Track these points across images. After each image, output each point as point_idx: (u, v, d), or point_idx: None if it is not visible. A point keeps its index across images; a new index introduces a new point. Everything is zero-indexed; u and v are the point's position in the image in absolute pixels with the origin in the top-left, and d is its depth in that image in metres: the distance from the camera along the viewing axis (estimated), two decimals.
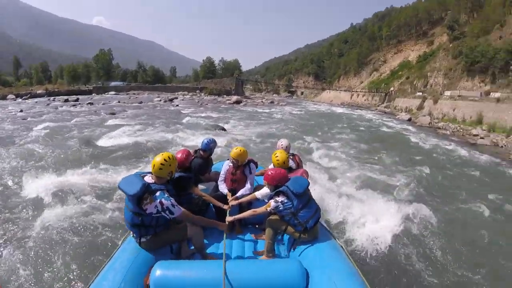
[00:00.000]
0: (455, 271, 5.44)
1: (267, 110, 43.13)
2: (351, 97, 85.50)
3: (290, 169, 5.07)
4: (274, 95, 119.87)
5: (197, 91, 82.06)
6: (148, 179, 3.66)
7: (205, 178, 5.61)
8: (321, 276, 3.32)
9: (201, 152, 5.69)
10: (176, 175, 4.17)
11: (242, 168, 5.12)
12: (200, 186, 5.24)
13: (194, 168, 5.23)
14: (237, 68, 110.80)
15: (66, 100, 44.27)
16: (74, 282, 4.66)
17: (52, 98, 50.67)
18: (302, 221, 3.93)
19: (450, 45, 61.21)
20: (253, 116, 33.33)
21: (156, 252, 3.77)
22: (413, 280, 5.12)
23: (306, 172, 5.19)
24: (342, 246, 4.06)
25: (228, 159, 5.24)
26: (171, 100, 51.75)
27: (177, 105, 42.93)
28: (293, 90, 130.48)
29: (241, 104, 54.39)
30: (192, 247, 4.21)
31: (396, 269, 5.30)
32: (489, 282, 5.19)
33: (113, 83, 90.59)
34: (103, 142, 14.40)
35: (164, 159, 3.67)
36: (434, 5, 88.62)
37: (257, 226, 5.20)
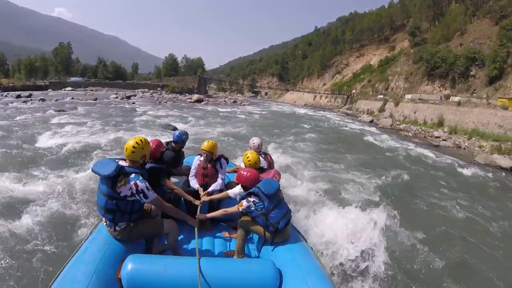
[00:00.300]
0: (418, 269, 5.61)
1: (228, 110, 41.80)
2: (314, 99, 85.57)
3: (261, 169, 4.95)
4: (238, 95, 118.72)
5: (158, 89, 79.32)
6: (123, 163, 3.51)
7: (176, 171, 5.48)
8: (294, 276, 3.28)
9: (173, 144, 5.48)
10: (148, 165, 4.02)
11: (213, 163, 4.98)
12: (173, 179, 5.26)
13: (166, 160, 5.06)
14: (200, 66, 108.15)
15: (18, 96, 40.53)
16: (41, 275, 4.39)
17: (5, 94, 46.02)
18: (273, 222, 3.89)
19: (411, 51, 62.55)
20: (214, 115, 31.79)
21: (128, 244, 3.61)
22: (377, 280, 5.10)
23: (278, 173, 4.96)
24: (311, 248, 4.06)
25: (198, 154, 5.10)
26: (128, 97, 48.90)
27: (133, 103, 40.12)
28: (257, 90, 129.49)
29: (202, 103, 52.24)
30: (165, 243, 4.06)
31: (361, 270, 5.22)
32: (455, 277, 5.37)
33: (72, 79, 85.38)
34: (42, 142, 12.57)
35: (136, 142, 3.55)
36: (396, 12, 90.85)
37: (228, 223, 5.07)
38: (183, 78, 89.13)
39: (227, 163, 5.26)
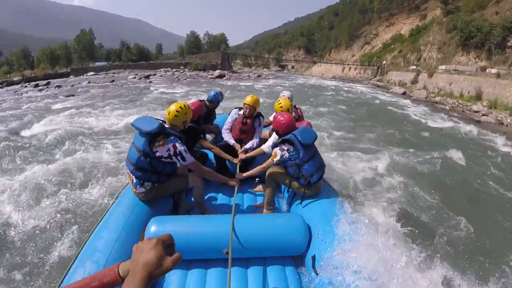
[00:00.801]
0: (459, 236, 5.52)
1: (250, 84, 40.83)
2: (342, 71, 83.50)
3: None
4: (264, 69, 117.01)
5: (181, 67, 78.90)
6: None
7: (207, 128, 5.68)
8: (323, 230, 3.24)
9: (207, 103, 5.78)
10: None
11: (253, 119, 4.92)
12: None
13: (199, 117, 5.03)
14: (223, 42, 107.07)
15: (36, 85, 40.56)
16: (70, 239, 4.63)
17: (25, 84, 46.68)
18: (306, 174, 3.73)
19: (444, 19, 59.74)
20: (232, 89, 31.09)
21: (154, 205, 3.63)
22: (415, 235, 5.13)
23: (310, 125, 4.82)
24: (344, 202, 3.85)
25: (236, 108, 5.08)
26: (147, 77, 48.86)
27: (150, 82, 40.37)
28: (284, 64, 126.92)
29: (224, 78, 52.14)
30: (193, 200, 4.08)
31: (398, 226, 5.26)
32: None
33: (96, 63, 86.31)
34: (38, 127, 12.70)
35: (180, 107, 3.65)
36: None
37: (257, 179, 4.97)
38: (205, 55, 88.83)
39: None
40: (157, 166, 3.44)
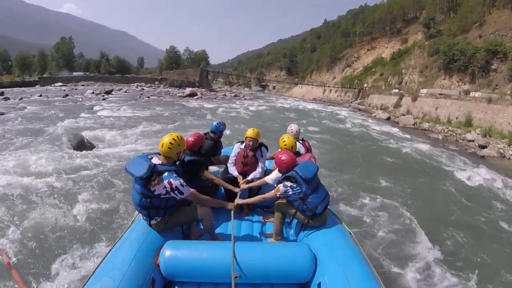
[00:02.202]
0: (461, 259, 5.57)
1: (214, 106, 35.86)
2: (323, 93, 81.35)
3: (298, 154, 4.89)
4: (246, 88, 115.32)
5: (155, 83, 75.00)
6: (156, 160, 3.54)
7: (215, 160, 5.59)
8: (330, 260, 3.29)
9: (211, 134, 5.64)
10: (187, 158, 4.24)
11: (254, 151, 4.98)
12: (211, 168, 5.47)
13: (205, 149, 5.13)
14: (204, 59, 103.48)
15: None
16: (85, 261, 4.77)
17: None
18: (311, 207, 3.84)
19: (426, 43, 59.05)
20: (188, 113, 26.31)
21: (166, 232, 3.69)
22: (417, 266, 5.19)
23: (314, 157, 4.87)
24: (350, 232, 3.98)
25: (238, 142, 5.18)
26: (108, 92, 42.70)
27: (104, 99, 34.23)
28: (265, 84, 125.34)
29: (195, 97, 47.48)
30: (202, 228, 4.19)
31: (401, 257, 5.36)
32: None
33: (74, 73, 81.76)
34: None
35: (173, 139, 3.59)
36: (409, 4, 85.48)
37: (265, 209, 5.12)
38: (184, 71, 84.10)
39: (267, 151, 5.20)
40: (159, 203, 3.49)
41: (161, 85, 71.26)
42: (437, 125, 26.68)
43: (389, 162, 13.04)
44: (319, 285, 3.11)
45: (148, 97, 40.48)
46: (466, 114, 26.17)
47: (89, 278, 2.93)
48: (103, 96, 37.52)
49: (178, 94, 49.32)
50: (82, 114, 19.98)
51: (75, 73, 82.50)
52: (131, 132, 14.51)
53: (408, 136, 20.86)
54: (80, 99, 31.97)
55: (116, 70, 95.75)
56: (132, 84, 66.71)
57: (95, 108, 24.14)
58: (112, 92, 43.48)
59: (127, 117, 20.21)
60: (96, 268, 3.06)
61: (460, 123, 26.06)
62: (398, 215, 7.18)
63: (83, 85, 59.60)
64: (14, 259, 4.69)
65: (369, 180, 10.04)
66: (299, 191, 3.82)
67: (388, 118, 33.73)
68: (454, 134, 22.73)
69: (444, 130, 24.42)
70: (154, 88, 62.50)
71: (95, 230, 5.69)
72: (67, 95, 36.33)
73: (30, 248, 5.06)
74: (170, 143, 3.53)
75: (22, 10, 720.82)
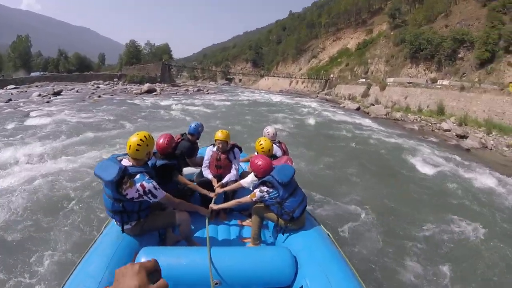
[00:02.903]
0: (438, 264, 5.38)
1: (179, 101, 32.55)
2: (290, 84, 79.99)
3: (274, 157, 4.76)
4: (211, 82, 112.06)
5: (115, 80, 69.46)
6: (126, 162, 3.34)
7: (191, 162, 5.49)
8: (310, 263, 3.25)
9: (189, 136, 5.55)
10: (159, 162, 4.07)
11: (227, 153, 4.90)
12: (188, 169, 5.29)
13: (181, 151, 5.12)
14: (167, 53, 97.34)
15: None
16: (55, 270, 4.56)
17: None
18: (288, 211, 3.75)
19: (392, 33, 58.46)
20: (140, 113, 22.03)
21: (141, 237, 3.59)
22: (396, 264, 5.19)
23: (291, 160, 4.66)
24: (328, 234, 3.91)
25: (211, 144, 5.08)
26: (57, 93, 36.56)
27: (48, 102, 28.38)
28: (231, 77, 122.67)
29: (153, 94, 43.02)
30: (179, 234, 4.04)
31: (380, 257, 5.34)
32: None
33: (32, 74, 74.72)
34: None
35: (141, 139, 3.32)
36: None
37: (242, 212, 4.98)
38: (144, 66, 78.92)
39: (241, 152, 5.14)
40: (132, 207, 3.34)
41: (120, 82, 66.29)
42: (409, 115, 25.33)
43: (366, 158, 11.77)
44: None
45: (100, 96, 35.66)
46: (437, 102, 25.05)
47: (62, 287, 2.83)
48: (50, 98, 32.36)
49: (134, 91, 44.72)
50: (10, 125, 15.26)
51: (33, 74, 75.66)
52: (56, 146, 11.34)
53: (383, 128, 19.16)
54: (22, 104, 26.21)
55: (75, 68, 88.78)
56: (89, 83, 61.26)
57: (32, 114, 19.51)
58: (61, 93, 38.04)
59: (66, 123, 16.12)
60: (69, 276, 2.95)
61: (432, 112, 24.89)
62: (377, 214, 6.92)
63: (37, 86, 53.35)
64: None
65: (346, 179, 9.39)
66: (276, 195, 3.75)
67: (358, 109, 32.15)
68: (430, 124, 21.29)
69: (417, 120, 23.11)
70: (111, 86, 57.40)
71: (65, 236, 5.41)
72: (10, 99, 29.53)
73: None
74: (137, 144, 3.29)
75: None
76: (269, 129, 5.58)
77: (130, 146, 3.30)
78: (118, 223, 3.44)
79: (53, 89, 39.51)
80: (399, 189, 8.83)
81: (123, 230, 3.45)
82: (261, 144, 4.58)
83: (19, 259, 4.79)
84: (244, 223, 4.71)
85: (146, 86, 46.28)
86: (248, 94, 54.34)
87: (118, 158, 3.34)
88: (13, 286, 4.29)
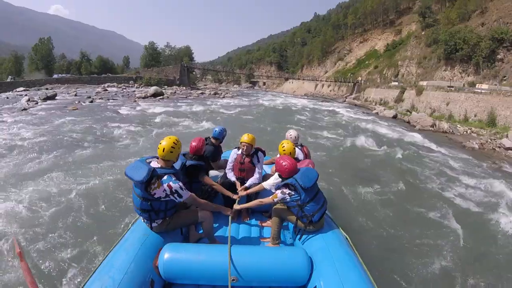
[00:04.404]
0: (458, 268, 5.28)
1: (177, 108, 27.67)
2: (315, 88, 76.99)
3: (296, 160, 4.64)
4: (235, 86, 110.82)
5: (130, 82, 66.86)
6: (154, 164, 3.49)
7: (215, 165, 5.55)
8: (326, 264, 3.27)
9: (213, 140, 5.59)
10: (189, 162, 4.29)
11: (251, 157, 4.87)
12: (212, 172, 5.34)
13: (206, 155, 5.05)
14: (188, 55, 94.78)
15: None
16: (85, 261, 4.77)
17: None
18: (308, 214, 3.73)
19: (423, 33, 55.11)
20: (109, 129, 15.32)
21: (166, 234, 3.69)
22: (413, 273, 5.05)
23: (312, 163, 4.64)
24: (346, 237, 3.90)
25: (236, 147, 5.05)
26: (50, 98, 32.41)
27: (25, 109, 23.18)
28: (255, 80, 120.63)
29: (158, 98, 38.85)
30: (201, 231, 4.15)
31: (398, 263, 5.26)
32: None
33: (55, 76, 73.99)
34: None
35: (173, 142, 3.52)
36: None
37: (263, 213, 5.01)
38: (163, 68, 76.77)
39: (264, 156, 5.09)
40: (159, 206, 3.46)
41: (136, 85, 63.61)
42: (458, 126, 21.91)
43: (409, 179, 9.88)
44: None
45: (92, 101, 30.81)
46: (487, 110, 21.86)
47: (90, 276, 2.96)
48: (36, 103, 27.94)
49: (138, 95, 40.34)
50: None
51: (55, 76, 75.21)
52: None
53: (435, 147, 15.21)
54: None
55: (98, 70, 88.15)
56: (102, 85, 57.79)
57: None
58: (56, 97, 33.95)
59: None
60: (97, 267, 3.06)
61: (481, 122, 21.75)
62: (402, 225, 6.62)
63: (47, 89, 49.22)
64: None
65: (379, 192, 8.52)
66: (297, 198, 3.72)
67: (395, 117, 28.83)
68: (489, 141, 16.96)
69: (467, 132, 19.94)
70: (123, 89, 54.92)
71: (96, 232, 5.54)
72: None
73: (34, 243, 5.12)
74: (171, 147, 3.46)
75: (9, 12, 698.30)
76: (292, 132, 5.48)
77: (164, 149, 3.43)
78: (146, 220, 3.57)
79: (46, 93, 35.05)
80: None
81: (151, 228, 3.56)
82: (284, 147, 4.55)
83: (52, 251, 4.98)
84: (264, 224, 4.71)
85: (152, 89, 43.21)
86: (269, 98, 51.17)
87: (147, 161, 3.47)
88: (48, 275, 4.47)
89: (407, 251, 5.68)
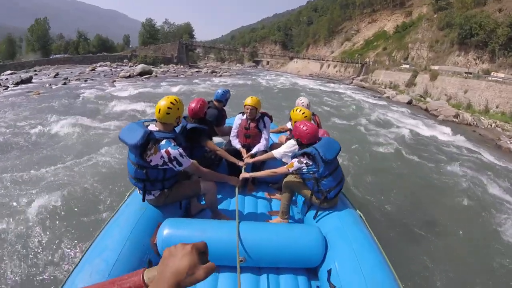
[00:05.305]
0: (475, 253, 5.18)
1: (158, 87, 25.58)
2: (320, 68, 74.29)
3: None
4: (238, 65, 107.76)
5: (124, 61, 63.59)
6: (152, 127, 3.12)
7: (219, 131, 5.24)
8: (341, 245, 3.02)
9: (216, 103, 5.22)
10: (190, 125, 3.92)
11: (256, 122, 4.59)
12: (215, 139, 5.09)
13: (208, 119, 4.70)
14: (188, 32, 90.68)
15: None
16: (77, 237, 4.55)
17: None
18: (324, 189, 3.38)
19: (435, 16, 52.74)
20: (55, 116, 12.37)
21: (165, 208, 3.40)
22: (427, 252, 4.97)
23: (327, 133, 4.48)
24: (361, 215, 3.58)
25: (240, 112, 4.74)
26: (24, 81, 28.52)
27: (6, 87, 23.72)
28: (259, 59, 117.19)
29: (144, 77, 36.03)
30: (203, 202, 3.87)
31: (413, 242, 5.19)
32: None
33: (53, 56, 71.84)
34: None
35: (171, 102, 3.09)
36: None
37: (270, 184, 4.74)
38: (160, 46, 73.14)
39: (271, 121, 4.78)
40: (157, 175, 3.10)
41: (130, 63, 60.12)
42: (482, 118, 19.87)
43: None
44: (329, 271, 2.87)
45: (65, 83, 27.81)
46: (511, 102, 20.21)
47: (80, 259, 2.67)
48: (6, 88, 24.68)
49: (121, 74, 36.72)
50: None
51: (52, 56, 73.01)
52: None
53: (464, 143, 13.17)
54: None
55: (97, 50, 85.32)
56: (94, 65, 54.32)
57: None
58: (32, 81, 30.19)
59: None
60: (88, 248, 2.77)
61: (504, 115, 20.07)
62: (416, 205, 6.53)
63: (35, 71, 46.70)
64: None
65: (398, 180, 8.12)
66: (315, 170, 3.35)
67: (410, 102, 26.56)
68: None
69: (491, 125, 18.18)
70: (115, 67, 51.40)
71: (87, 206, 5.29)
72: None
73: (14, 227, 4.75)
74: (168, 107, 3.04)
75: None
76: (303, 99, 5.12)
77: (159, 109, 3.05)
78: (140, 191, 3.24)
79: (20, 76, 31.67)
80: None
81: (144, 199, 3.25)
82: (303, 112, 4.06)
83: (35, 232, 4.65)
84: (273, 196, 4.41)
85: (139, 68, 40.05)
86: (271, 78, 48.27)
87: (145, 124, 3.11)
88: (30, 260, 4.13)
89: (424, 237, 5.42)
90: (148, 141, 2.92)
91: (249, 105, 4.45)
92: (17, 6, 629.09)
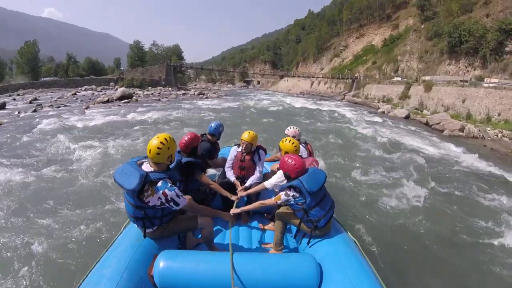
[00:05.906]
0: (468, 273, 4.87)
1: (125, 115, 21.34)
2: (311, 85, 73.82)
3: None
4: (229, 85, 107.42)
5: (111, 84, 61.55)
6: (146, 167, 3.06)
7: (212, 163, 5.15)
8: (336, 272, 2.97)
9: (209, 136, 5.18)
10: (184, 159, 3.95)
11: (251, 154, 4.65)
12: (209, 171, 5.10)
13: (201, 153, 4.72)
14: (177, 54, 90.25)
15: None
16: (73, 268, 4.37)
17: None
18: (313, 219, 3.40)
19: (422, 26, 52.67)
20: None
21: (161, 241, 3.33)
22: (424, 277, 4.78)
23: (316, 161, 4.36)
24: (355, 241, 3.56)
25: (235, 145, 4.85)
26: None
27: None
28: (249, 79, 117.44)
29: (123, 101, 33.27)
30: (199, 236, 3.81)
31: (409, 267, 4.94)
32: None
33: (43, 79, 71.13)
34: None
35: (161, 142, 3.01)
36: None
37: (265, 215, 4.77)
38: (148, 68, 71.43)
39: (266, 154, 4.87)
40: (155, 213, 3.08)
41: (117, 86, 56.19)
42: (487, 128, 18.28)
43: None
44: None
45: (36, 110, 25.31)
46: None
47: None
48: None
49: (99, 99, 34.34)
50: None
51: (41, 79, 71.92)
52: None
53: (479, 164, 11.19)
54: None
55: (87, 72, 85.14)
56: (79, 88, 53.41)
57: None
58: (5, 107, 28.18)
59: None
60: (85, 277, 2.76)
61: (508, 123, 18.73)
62: (411, 230, 6.01)
63: (18, 94, 45.35)
64: None
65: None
66: (302, 201, 3.36)
67: (407, 117, 24.98)
68: None
69: (497, 136, 16.80)
70: (99, 91, 49.36)
71: (84, 236, 5.09)
72: None
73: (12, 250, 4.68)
74: (158, 147, 2.97)
75: (3, 17, 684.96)
76: (291, 129, 5.00)
77: (150, 150, 2.99)
78: (140, 228, 3.16)
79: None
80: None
81: (145, 236, 3.15)
82: (293, 143, 4.04)
83: (33, 257, 4.54)
84: (266, 226, 4.43)
85: (119, 92, 37.80)
86: (260, 98, 45.13)
87: (138, 162, 3.07)
88: (28, 284, 4.03)
89: (420, 258, 5.22)
90: (145, 184, 2.84)
91: (245, 141, 4.47)
92: (7, 27, 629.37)
